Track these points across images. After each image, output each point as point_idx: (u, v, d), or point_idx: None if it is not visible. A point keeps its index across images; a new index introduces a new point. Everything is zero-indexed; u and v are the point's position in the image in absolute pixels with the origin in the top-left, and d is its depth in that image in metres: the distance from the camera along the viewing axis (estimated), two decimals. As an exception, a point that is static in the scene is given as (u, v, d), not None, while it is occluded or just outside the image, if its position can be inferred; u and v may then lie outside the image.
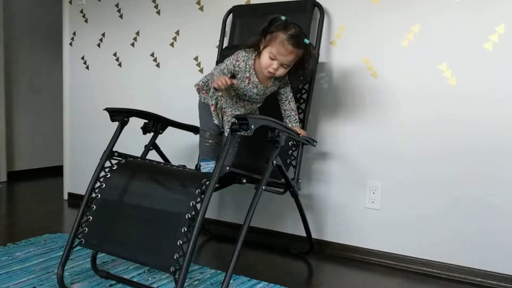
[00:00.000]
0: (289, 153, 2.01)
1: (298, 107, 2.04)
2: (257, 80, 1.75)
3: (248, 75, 1.74)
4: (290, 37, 1.63)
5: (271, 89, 1.82)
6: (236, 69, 1.74)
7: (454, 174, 1.94)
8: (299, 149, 2.02)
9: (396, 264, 2.07)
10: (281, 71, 1.70)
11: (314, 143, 2.05)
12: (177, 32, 2.68)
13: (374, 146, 2.10)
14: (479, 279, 1.90)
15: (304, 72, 1.74)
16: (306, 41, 1.66)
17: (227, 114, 1.82)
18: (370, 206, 2.13)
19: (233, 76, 1.76)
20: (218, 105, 1.83)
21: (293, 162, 2.01)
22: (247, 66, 1.73)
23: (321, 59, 2.16)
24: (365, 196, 2.14)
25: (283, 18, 1.69)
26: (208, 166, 1.83)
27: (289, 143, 2.00)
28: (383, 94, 2.07)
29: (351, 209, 2.18)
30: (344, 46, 2.16)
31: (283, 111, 1.92)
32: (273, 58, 1.67)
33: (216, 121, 1.84)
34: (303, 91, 2.06)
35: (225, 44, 2.38)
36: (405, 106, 2.03)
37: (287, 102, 1.90)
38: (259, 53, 1.73)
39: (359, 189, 2.15)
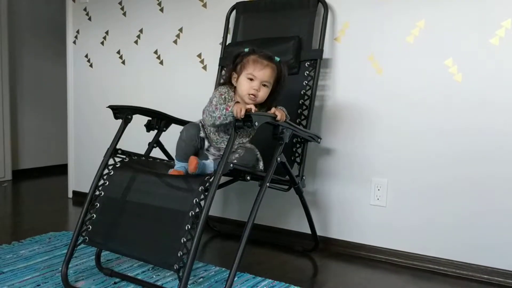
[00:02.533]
0: (294, 150, 2.00)
1: (302, 103, 2.03)
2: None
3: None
4: (261, 54, 1.66)
5: None
6: (223, 101, 1.69)
7: (460, 170, 1.92)
8: (304, 146, 2.00)
9: (402, 262, 2.06)
10: (262, 92, 1.66)
11: (319, 140, 2.04)
12: (181, 29, 2.67)
13: (379, 143, 2.09)
14: (486, 276, 1.88)
15: (280, 90, 1.73)
16: (277, 58, 1.69)
17: (212, 151, 1.76)
18: (375, 203, 2.12)
19: None
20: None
21: (298, 159, 2.00)
22: (229, 97, 1.70)
23: (325, 55, 2.14)
24: (370, 193, 2.12)
25: (246, 49, 1.70)
26: (179, 165, 1.74)
27: (294, 140, 1.99)
28: (388, 90, 2.06)
29: (356, 206, 2.17)
30: (348, 42, 2.14)
31: None
32: (251, 78, 1.65)
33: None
34: (307, 87, 2.04)
35: (229, 40, 2.37)
36: (410, 103, 2.01)
37: None
38: (235, 88, 1.71)
39: (364, 186, 2.14)
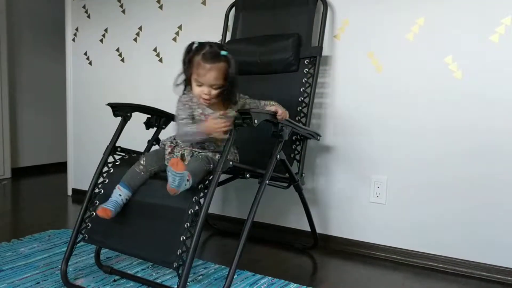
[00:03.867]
0: (293, 147, 2.00)
1: (302, 100, 2.03)
2: (211, 110, 1.66)
3: (200, 110, 1.65)
4: (204, 55, 1.57)
5: (230, 117, 1.64)
6: (190, 110, 1.65)
7: (459, 168, 1.92)
8: (303, 143, 2.00)
9: (402, 259, 2.06)
10: (215, 93, 1.60)
11: (318, 137, 2.04)
12: (180, 27, 2.66)
13: (379, 140, 2.09)
14: (485, 273, 1.88)
15: (236, 82, 1.64)
16: (223, 53, 1.59)
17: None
18: (375, 201, 2.12)
19: (193, 118, 1.66)
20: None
21: (297, 157, 2.00)
22: (194, 102, 1.66)
23: (325, 52, 2.14)
24: (370, 190, 2.12)
25: (196, 42, 1.61)
26: (117, 196, 1.58)
27: (293, 137, 1.99)
28: (388, 88, 2.05)
29: (355, 204, 2.17)
30: (348, 39, 2.14)
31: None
32: (199, 84, 1.59)
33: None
34: (307, 85, 2.04)
35: (228, 37, 2.37)
36: (410, 100, 2.01)
37: (252, 106, 1.77)
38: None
39: (364, 184, 2.14)
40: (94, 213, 1.65)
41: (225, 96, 1.63)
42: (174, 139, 1.70)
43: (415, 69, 1.99)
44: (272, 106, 1.71)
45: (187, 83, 1.66)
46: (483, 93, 1.86)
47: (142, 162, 1.61)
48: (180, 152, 1.64)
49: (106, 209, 1.53)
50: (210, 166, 1.55)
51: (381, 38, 2.06)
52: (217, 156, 1.59)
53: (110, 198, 1.57)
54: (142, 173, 1.60)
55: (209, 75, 1.56)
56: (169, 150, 1.67)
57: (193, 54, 1.58)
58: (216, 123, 1.55)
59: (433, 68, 1.95)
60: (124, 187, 1.58)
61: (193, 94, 1.63)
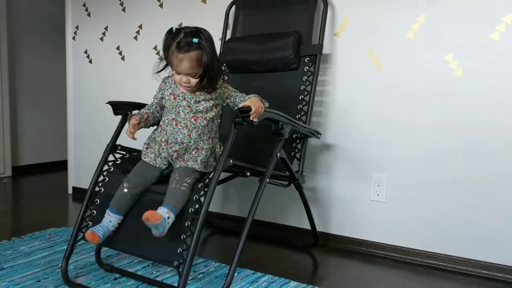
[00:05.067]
0: (293, 145, 2.00)
1: (302, 99, 2.03)
2: (181, 91, 1.62)
3: (170, 90, 1.64)
4: (177, 44, 1.51)
5: (205, 104, 1.61)
6: (160, 93, 1.69)
7: (460, 165, 1.92)
8: (303, 141, 2.00)
9: (402, 257, 2.06)
10: (193, 80, 1.56)
11: (319, 136, 2.04)
12: (180, 25, 2.66)
13: (379, 138, 2.09)
14: (485, 272, 1.88)
15: (213, 66, 1.56)
16: (195, 40, 1.51)
17: (163, 154, 1.63)
18: (375, 199, 2.12)
19: (162, 108, 1.69)
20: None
21: (298, 155, 2.00)
22: (167, 83, 1.67)
23: (325, 50, 2.13)
24: (370, 188, 2.12)
25: (174, 28, 1.56)
26: (107, 222, 1.56)
27: (293, 136, 1.99)
28: (388, 86, 2.05)
29: (356, 202, 2.17)
30: (348, 38, 2.14)
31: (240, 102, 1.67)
32: (177, 72, 1.57)
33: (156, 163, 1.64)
34: (307, 83, 2.04)
35: (228, 36, 2.36)
36: (410, 98, 2.01)
37: (237, 100, 1.68)
38: None
39: (364, 182, 2.14)
40: (94, 212, 1.65)
41: (203, 83, 1.56)
42: (153, 137, 1.68)
43: (416, 68, 1.99)
44: (245, 102, 1.57)
45: (169, 68, 1.63)
46: (484, 91, 1.85)
47: (125, 186, 1.57)
48: (152, 149, 1.65)
49: (94, 234, 1.51)
50: (192, 185, 1.53)
51: (381, 37, 2.06)
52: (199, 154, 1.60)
53: (101, 223, 1.56)
54: (129, 196, 1.56)
55: (182, 65, 1.52)
56: (145, 146, 1.67)
57: (170, 41, 1.54)
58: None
59: (433, 66, 1.95)
60: (113, 212, 1.56)
61: (174, 80, 1.62)
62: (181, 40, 1.52)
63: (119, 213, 1.57)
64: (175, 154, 1.60)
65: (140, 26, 2.84)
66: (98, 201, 1.65)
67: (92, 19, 3.08)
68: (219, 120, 1.73)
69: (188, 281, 1.62)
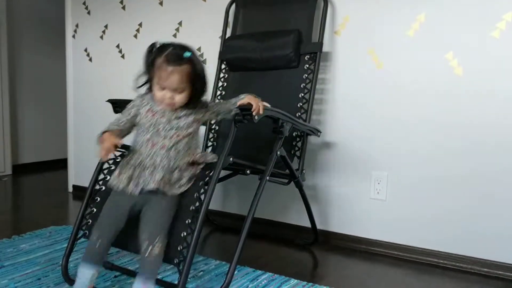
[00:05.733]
0: (293, 143, 2.00)
1: (302, 97, 2.03)
2: (160, 108, 1.49)
3: (148, 107, 1.50)
4: (166, 57, 1.42)
5: (185, 120, 1.49)
6: (133, 109, 1.52)
7: (459, 165, 1.92)
8: (304, 139, 2.00)
9: (402, 255, 2.06)
10: (179, 97, 1.45)
11: (319, 134, 2.04)
12: (180, 23, 2.66)
13: (379, 136, 2.09)
14: (485, 269, 1.89)
15: (201, 84, 1.47)
16: (187, 54, 1.43)
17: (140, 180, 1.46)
18: (375, 197, 2.12)
19: (132, 126, 1.53)
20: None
21: (298, 153, 2.00)
22: (144, 99, 1.53)
23: (325, 48, 2.13)
24: (370, 186, 2.12)
25: (158, 43, 1.49)
26: (81, 278, 1.44)
27: (294, 134, 1.99)
28: (388, 84, 2.05)
29: (356, 200, 2.17)
30: (348, 36, 2.14)
31: (228, 108, 1.58)
32: (162, 87, 1.44)
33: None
34: (307, 81, 2.04)
35: (228, 34, 2.36)
36: (410, 96, 2.01)
37: (225, 106, 1.58)
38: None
39: (364, 180, 2.14)
40: (94, 210, 1.65)
41: (190, 100, 1.48)
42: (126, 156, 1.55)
43: (416, 66, 1.99)
44: (243, 100, 1.52)
45: (149, 84, 1.51)
46: (484, 89, 1.85)
47: (93, 236, 1.46)
48: (126, 175, 1.47)
49: None
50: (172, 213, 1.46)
51: (381, 35, 2.06)
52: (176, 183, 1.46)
53: (76, 282, 1.44)
54: (97, 246, 1.44)
55: (171, 78, 1.41)
56: (116, 173, 1.51)
57: (155, 56, 1.45)
58: None
59: (433, 65, 1.95)
60: (87, 266, 1.44)
61: (155, 98, 1.48)
62: (170, 53, 1.43)
63: (96, 265, 1.45)
64: (154, 178, 1.44)
65: (140, 24, 2.84)
66: (99, 199, 1.65)
67: (92, 17, 3.08)
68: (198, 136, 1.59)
69: (188, 279, 1.62)
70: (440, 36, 1.93)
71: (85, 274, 1.43)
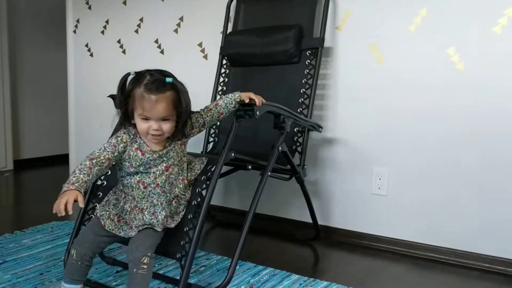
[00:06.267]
0: (295, 139, 2.00)
1: (303, 92, 2.03)
2: (148, 148, 1.38)
3: (136, 145, 1.38)
4: (146, 86, 1.31)
5: (174, 149, 1.42)
6: (121, 146, 1.37)
7: (461, 159, 1.92)
8: (305, 135, 2.00)
9: (403, 250, 2.06)
10: (166, 126, 1.34)
11: (320, 129, 2.04)
12: (181, 18, 2.65)
13: (380, 132, 2.09)
14: (487, 265, 1.89)
15: (184, 109, 1.36)
16: (169, 79, 1.33)
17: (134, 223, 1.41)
18: (376, 192, 2.12)
19: (118, 162, 1.40)
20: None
21: (299, 148, 2.00)
22: (131, 135, 1.39)
23: (327, 44, 2.13)
24: (371, 182, 2.12)
25: (132, 72, 1.38)
26: None
27: (295, 129, 1.99)
28: (390, 80, 2.05)
29: (357, 195, 2.17)
30: (350, 31, 2.13)
31: (217, 112, 1.51)
32: (145, 118, 1.32)
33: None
34: (309, 76, 2.04)
35: (230, 29, 2.36)
36: (412, 92, 2.00)
37: (210, 113, 1.51)
38: (134, 125, 1.38)
39: (366, 175, 2.14)
40: (97, 205, 1.65)
41: (178, 129, 1.38)
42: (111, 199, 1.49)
43: (417, 61, 1.98)
44: (242, 95, 1.51)
45: (126, 120, 1.39)
46: (485, 84, 1.85)
47: (73, 253, 1.38)
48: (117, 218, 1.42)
49: None
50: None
51: (383, 30, 2.05)
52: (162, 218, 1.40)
53: None
54: (79, 262, 1.38)
55: (156, 107, 1.30)
56: (115, 219, 1.43)
57: (133, 87, 1.33)
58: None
59: (435, 60, 1.94)
60: (68, 283, 1.39)
61: (138, 131, 1.36)
62: (149, 81, 1.31)
63: (76, 282, 1.40)
64: (157, 218, 1.40)
65: (141, 19, 2.83)
66: (101, 194, 1.65)
67: (93, 12, 3.07)
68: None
69: (190, 274, 1.62)
70: (442, 31, 1.92)
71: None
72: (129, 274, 1.34)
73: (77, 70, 3.22)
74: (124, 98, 1.36)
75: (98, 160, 1.33)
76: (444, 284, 1.76)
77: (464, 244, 1.94)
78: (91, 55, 3.12)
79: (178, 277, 1.62)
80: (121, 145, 1.38)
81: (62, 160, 3.95)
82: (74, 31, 3.19)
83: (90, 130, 3.17)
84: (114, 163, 1.38)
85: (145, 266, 1.31)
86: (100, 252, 1.81)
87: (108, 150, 1.36)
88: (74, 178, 1.24)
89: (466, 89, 1.89)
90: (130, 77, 1.37)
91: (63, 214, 1.16)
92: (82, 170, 1.28)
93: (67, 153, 3.38)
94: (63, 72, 3.38)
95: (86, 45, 3.14)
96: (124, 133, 1.40)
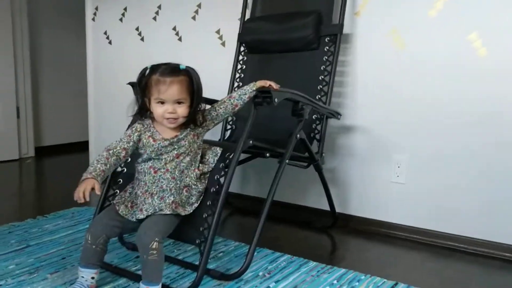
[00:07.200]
0: (313, 126, 1.99)
1: (322, 79, 2.01)
2: (161, 136, 1.45)
3: (149, 133, 1.46)
4: (162, 71, 1.42)
5: (186, 139, 1.47)
6: (135, 135, 1.46)
7: (481, 147, 1.88)
8: (323, 122, 1.99)
9: (421, 239, 2.05)
10: (181, 110, 1.41)
11: (339, 116, 2.02)
12: (199, 5, 2.65)
13: (400, 119, 2.06)
14: (507, 254, 1.86)
15: (196, 94, 1.45)
16: (182, 66, 1.45)
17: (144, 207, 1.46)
18: (395, 180, 2.10)
19: (135, 150, 1.48)
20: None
21: (317, 136, 1.99)
22: (145, 125, 1.48)
23: (346, 30, 2.10)
24: (390, 170, 2.11)
25: (149, 66, 1.47)
26: (76, 284, 1.42)
27: (313, 117, 1.98)
28: (410, 66, 2.02)
29: (375, 183, 2.16)
30: (369, 17, 2.10)
31: (231, 104, 1.54)
32: (161, 102, 1.41)
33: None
34: (327, 63, 2.02)
35: (247, 16, 2.34)
36: (432, 78, 1.97)
37: (223, 105, 1.55)
38: (151, 113, 1.46)
39: (384, 163, 2.12)
40: (118, 191, 1.67)
41: (190, 114, 1.45)
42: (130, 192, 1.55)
43: (438, 46, 1.95)
44: (257, 84, 1.54)
45: (143, 110, 1.48)
46: (507, 70, 1.81)
47: (88, 237, 1.42)
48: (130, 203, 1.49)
49: None
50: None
51: (403, 15, 2.02)
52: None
53: (76, 282, 1.43)
54: (94, 246, 1.41)
55: (171, 88, 1.39)
56: (128, 205, 1.49)
57: (150, 75, 1.43)
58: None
59: (456, 45, 1.90)
60: (84, 267, 1.43)
61: (155, 115, 1.44)
62: (164, 68, 1.44)
63: (92, 266, 1.43)
64: (165, 202, 1.44)
65: (159, 7, 2.83)
66: (121, 180, 1.68)
67: (112, 0, 3.08)
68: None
69: (209, 260, 1.64)
70: (464, 16, 1.88)
71: (85, 273, 1.43)
72: (140, 261, 1.37)
73: (96, 58, 3.24)
74: (141, 90, 1.45)
75: (114, 150, 1.42)
76: (462, 273, 1.74)
77: (483, 233, 1.91)
78: (110, 42, 3.14)
79: (197, 263, 1.64)
80: (136, 134, 1.46)
81: (83, 147, 4.01)
82: (93, 19, 3.21)
83: (110, 117, 3.20)
84: (131, 152, 1.47)
85: (154, 252, 1.32)
86: (120, 237, 1.85)
87: (124, 140, 1.45)
88: (92, 168, 1.35)
89: (488, 74, 1.85)
90: (147, 71, 1.46)
91: (82, 201, 1.29)
92: (99, 160, 1.38)
93: (87, 140, 3.42)
94: (83, 59, 3.41)
95: (105, 33, 3.16)
96: (139, 123, 1.49)
